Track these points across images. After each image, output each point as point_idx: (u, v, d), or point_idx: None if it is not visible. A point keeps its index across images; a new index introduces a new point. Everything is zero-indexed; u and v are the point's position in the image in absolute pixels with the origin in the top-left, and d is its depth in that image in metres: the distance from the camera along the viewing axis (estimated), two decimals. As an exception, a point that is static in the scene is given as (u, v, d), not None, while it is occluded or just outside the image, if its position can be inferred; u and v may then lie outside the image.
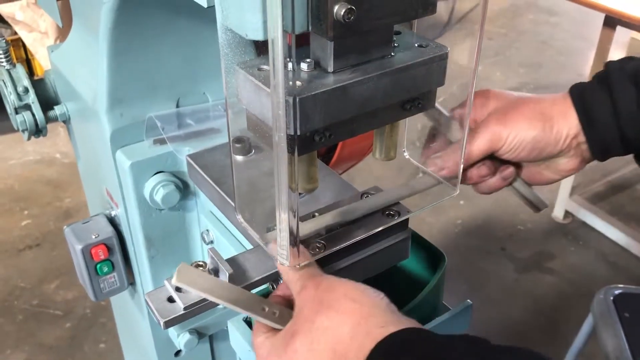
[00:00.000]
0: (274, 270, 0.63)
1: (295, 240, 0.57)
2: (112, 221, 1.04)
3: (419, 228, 2.97)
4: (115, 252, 1.02)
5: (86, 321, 2.27)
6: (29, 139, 1.11)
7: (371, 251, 0.69)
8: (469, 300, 0.77)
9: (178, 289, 0.60)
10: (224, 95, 0.57)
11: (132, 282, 1.09)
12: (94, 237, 1.00)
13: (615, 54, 2.39)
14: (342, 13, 0.48)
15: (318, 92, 0.51)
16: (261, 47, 0.58)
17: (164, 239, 0.98)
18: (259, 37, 0.48)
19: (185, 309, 0.58)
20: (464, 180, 0.76)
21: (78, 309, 2.32)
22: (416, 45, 0.60)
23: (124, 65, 0.86)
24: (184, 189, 0.93)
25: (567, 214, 2.80)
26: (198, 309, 0.59)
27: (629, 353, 1.38)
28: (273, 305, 0.60)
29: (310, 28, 0.51)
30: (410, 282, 0.83)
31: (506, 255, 2.62)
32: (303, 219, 0.67)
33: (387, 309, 0.53)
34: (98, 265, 1.01)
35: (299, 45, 0.57)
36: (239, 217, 0.63)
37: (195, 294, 0.59)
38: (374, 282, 0.76)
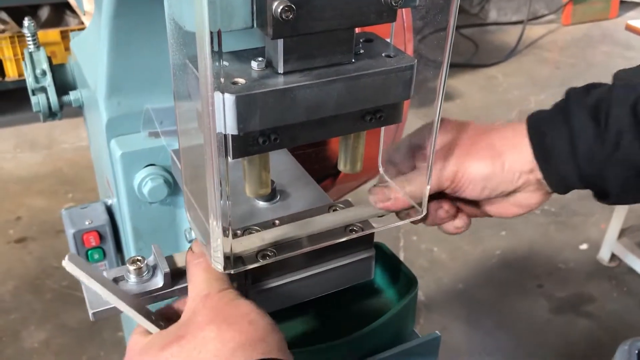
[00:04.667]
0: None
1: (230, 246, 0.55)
2: (109, 210, 1.04)
3: (454, 255, 2.83)
4: (107, 240, 1.02)
5: (110, 308, 2.31)
6: (44, 121, 1.13)
7: (329, 266, 0.66)
8: (437, 332, 0.73)
9: (116, 281, 0.59)
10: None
11: (124, 273, 1.09)
12: (87, 223, 1.00)
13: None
14: (279, 10, 0.46)
15: (255, 92, 0.49)
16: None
17: (153, 233, 0.97)
18: (194, 28, 0.47)
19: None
20: (427, 221, 0.72)
21: (104, 295, 2.36)
22: (383, 55, 0.57)
23: (124, 55, 0.87)
24: (174, 185, 0.92)
25: (614, 257, 2.65)
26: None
27: (646, 412, 1.29)
28: (159, 318, 0.57)
29: (254, 25, 0.48)
30: (385, 305, 0.79)
31: (542, 293, 2.51)
32: (263, 225, 0.65)
33: (277, 340, 0.52)
34: (89, 252, 1.02)
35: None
36: (187, 216, 0.61)
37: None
38: (342, 298, 0.73)
